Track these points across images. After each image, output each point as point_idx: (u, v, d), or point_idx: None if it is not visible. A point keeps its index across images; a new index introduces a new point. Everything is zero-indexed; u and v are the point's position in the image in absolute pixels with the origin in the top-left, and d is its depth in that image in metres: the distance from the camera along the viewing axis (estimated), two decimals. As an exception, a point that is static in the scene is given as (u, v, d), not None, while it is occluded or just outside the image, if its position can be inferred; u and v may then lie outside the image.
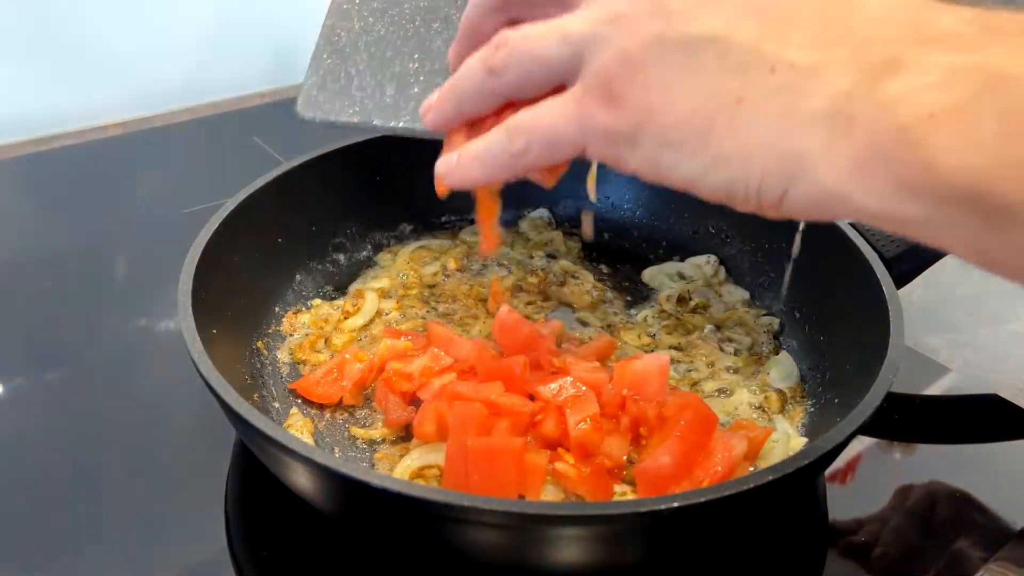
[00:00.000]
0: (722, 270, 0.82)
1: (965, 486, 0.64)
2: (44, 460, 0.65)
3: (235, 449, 0.65)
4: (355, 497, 0.50)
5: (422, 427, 0.61)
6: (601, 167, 0.88)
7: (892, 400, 0.71)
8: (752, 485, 0.46)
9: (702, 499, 0.45)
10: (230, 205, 0.70)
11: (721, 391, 0.69)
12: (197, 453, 0.67)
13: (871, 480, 0.66)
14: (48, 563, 0.57)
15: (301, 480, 0.52)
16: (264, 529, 0.60)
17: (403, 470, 0.60)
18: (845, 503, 0.63)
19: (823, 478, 0.64)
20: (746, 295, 0.80)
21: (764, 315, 0.78)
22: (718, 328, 0.76)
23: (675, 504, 0.45)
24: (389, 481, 0.46)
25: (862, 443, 0.68)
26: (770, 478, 0.47)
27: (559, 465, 0.58)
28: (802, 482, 0.53)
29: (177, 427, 0.69)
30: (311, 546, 0.58)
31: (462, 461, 0.56)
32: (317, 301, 0.78)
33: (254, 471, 0.63)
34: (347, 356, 0.68)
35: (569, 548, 0.48)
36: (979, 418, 0.73)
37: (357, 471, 0.47)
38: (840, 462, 0.66)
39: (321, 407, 0.67)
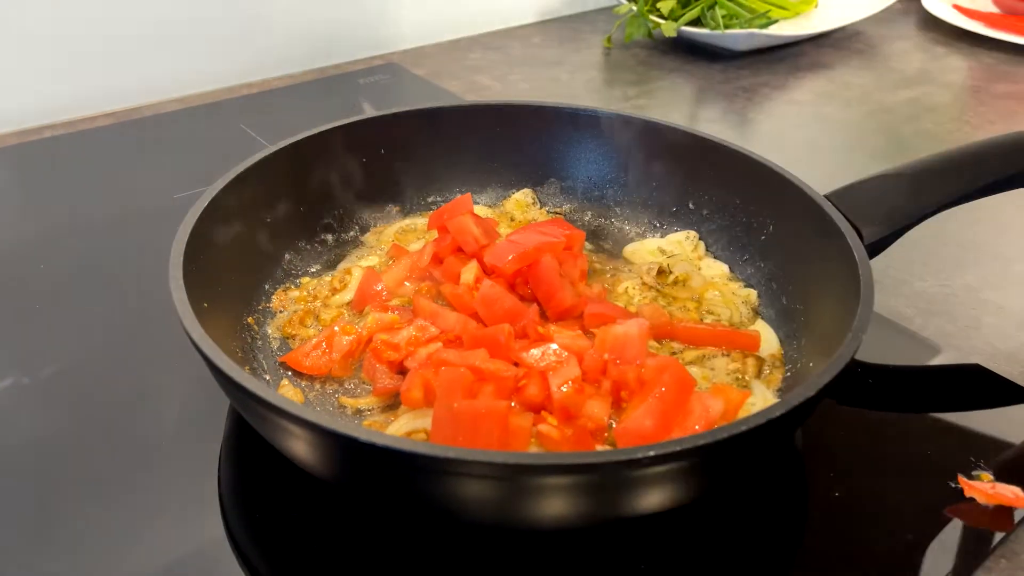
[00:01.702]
0: (701, 245, 0.84)
1: (952, 457, 0.66)
2: (39, 444, 0.66)
3: (227, 426, 0.67)
4: (344, 455, 0.52)
5: (410, 394, 0.63)
6: (586, 149, 0.90)
7: (874, 371, 0.74)
8: (726, 435, 0.48)
9: (677, 448, 0.47)
10: (220, 183, 0.72)
11: (700, 359, 0.71)
12: (190, 432, 0.68)
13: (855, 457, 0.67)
14: (50, 549, 0.58)
15: (291, 442, 0.53)
16: (257, 500, 0.61)
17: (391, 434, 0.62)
18: (827, 483, 0.64)
19: (804, 465, 0.66)
20: (725, 268, 0.82)
21: (742, 287, 0.79)
22: (698, 300, 0.78)
23: (651, 453, 0.47)
24: (376, 436, 0.48)
25: (848, 427, 0.70)
26: (743, 428, 0.49)
27: (542, 427, 0.60)
28: (775, 435, 0.54)
29: (170, 407, 0.70)
30: (304, 515, 0.60)
31: (448, 424, 0.58)
32: (306, 279, 0.79)
33: (246, 448, 0.65)
34: (336, 329, 0.70)
35: (551, 500, 0.50)
36: (961, 387, 0.75)
37: (345, 427, 0.48)
38: (828, 445, 0.67)
39: (311, 379, 0.69)
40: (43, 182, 1.03)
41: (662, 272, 0.80)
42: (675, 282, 0.79)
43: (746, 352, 0.71)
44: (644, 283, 0.79)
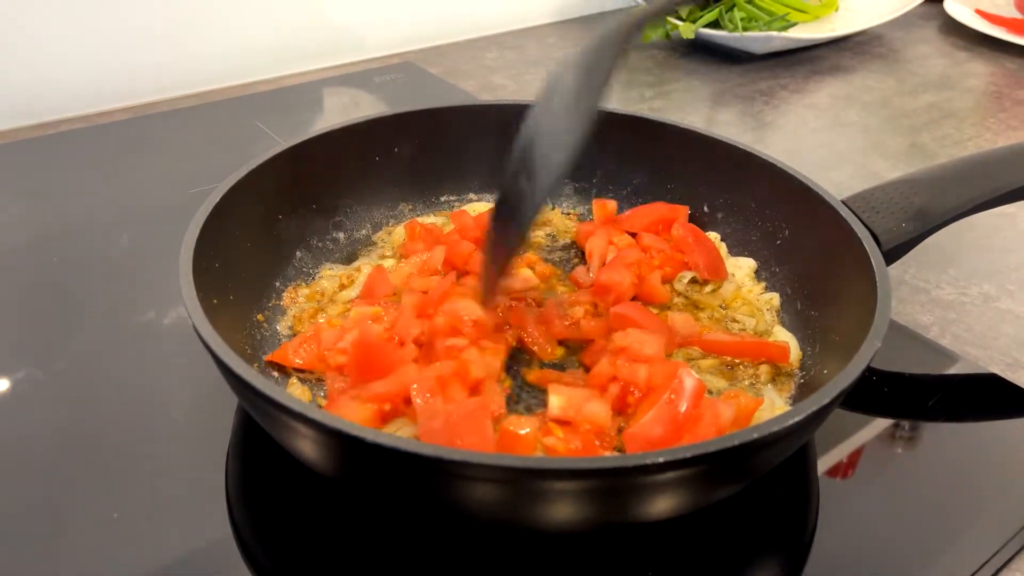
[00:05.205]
0: (723, 246, 0.83)
1: (968, 472, 0.65)
2: (49, 437, 0.66)
3: (235, 423, 0.67)
4: (350, 455, 0.51)
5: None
6: (600, 150, 0.90)
7: (889, 379, 0.73)
8: (738, 442, 0.47)
9: (687, 454, 0.46)
10: (232, 180, 0.71)
11: (715, 366, 0.70)
12: (198, 429, 0.67)
13: (869, 475, 0.66)
14: (57, 544, 0.58)
15: (298, 440, 0.53)
16: (264, 498, 0.61)
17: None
18: (841, 498, 0.63)
19: (817, 474, 0.64)
20: (753, 263, 0.81)
21: (765, 292, 0.78)
22: (724, 307, 0.77)
23: (660, 459, 0.46)
24: (382, 436, 0.47)
25: (861, 437, 0.69)
26: (755, 436, 0.48)
27: (548, 440, 0.59)
28: (787, 442, 0.54)
29: (179, 405, 0.70)
30: (311, 514, 0.59)
31: (432, 422, 0.57)
32: (321, 271, 0.80)
33: (253, 446, 0.64)
34: (320, 322, 0.70)
35: (558, 505, 0.49)
36: (978, 397, 0.74)
37: (351, 427, 0.48)
38: (841, 456, 0.67)
39: (320, 379, 0.68)
40: (58, 176, 1.04)
41: (695, 281, 0.79)
42: (711, 291, 0.79)
43: (766, 360, 0.70)
44: (675, 290, 0.79)
